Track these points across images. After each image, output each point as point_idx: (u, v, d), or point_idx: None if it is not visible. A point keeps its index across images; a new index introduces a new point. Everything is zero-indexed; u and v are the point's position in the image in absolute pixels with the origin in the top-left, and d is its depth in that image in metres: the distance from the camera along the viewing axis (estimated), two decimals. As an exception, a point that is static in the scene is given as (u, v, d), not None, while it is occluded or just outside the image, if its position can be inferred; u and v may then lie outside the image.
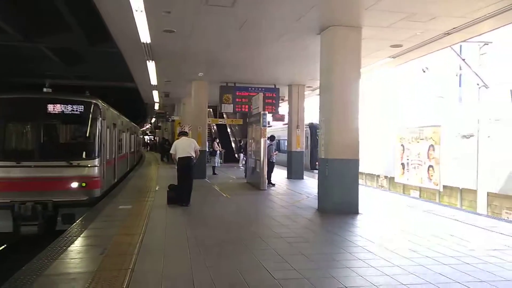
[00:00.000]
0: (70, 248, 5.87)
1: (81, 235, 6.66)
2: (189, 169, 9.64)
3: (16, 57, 19.78)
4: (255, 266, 5.10)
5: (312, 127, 22.60)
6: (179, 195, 9.61)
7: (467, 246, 6.18)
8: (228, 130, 30.74)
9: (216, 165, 18.60)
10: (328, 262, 5.37)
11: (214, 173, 17.68)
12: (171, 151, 10.13)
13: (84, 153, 9.78)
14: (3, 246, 9.04)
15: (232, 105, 16.25)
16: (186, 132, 11.07)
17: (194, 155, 9.64)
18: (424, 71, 17.99)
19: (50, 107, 9.60)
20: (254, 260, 5.35)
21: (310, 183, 14.44)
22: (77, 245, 6.11)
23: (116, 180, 13.36)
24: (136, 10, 7.76)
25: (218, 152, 19.27)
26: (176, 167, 9.73)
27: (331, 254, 5.73)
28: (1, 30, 13.71)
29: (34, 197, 8.89)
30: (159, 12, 8.10)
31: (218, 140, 20.57)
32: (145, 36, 9.53)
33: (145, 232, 6.79)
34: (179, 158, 9.57)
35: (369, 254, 5.69)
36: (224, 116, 28.39)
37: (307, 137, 22.61)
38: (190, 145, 9.76)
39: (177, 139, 10.64)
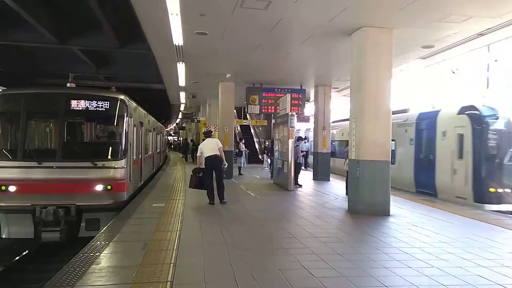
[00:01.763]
0: (112, 242, 6.09)
1: (121, 230, 6.88)
2: (216, 167, 9.78)
3: (47, 58, 20.39)
4: (293, 264, 5.20)
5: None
6: (208, 193, 9.82)
7: (503, 249, 6.12)
8: (252, 131, 30.91)
9: (242, 165, 18.75)
10: (365, 262, 5.41)
11: (240, 173, 17.86)
12: (198, 154, 10.17)
13: (109, 153, 9.12)
14: (24, 252, 8.57)
15: (258, 106, 16.37)
16: (211, 132, 11.16)
17: (219, 153, 9.78)
18: (453, 72, 17.70)
19: (74, 103, 8.90)
20: (291, 258, 5.45)
21: (337, 185, 14.43)
22: (119, 240, 6.32)
23: (142, 182, 12.70)
24: (172, 14, 7.96)
25: (244, 152, 19.43)
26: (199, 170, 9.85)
27: (366, 254, 5.77)
28: (35, 31, 14.14)
29: (56, 200, 8.24)
30: (194, 15, 8.29)
31: (243, 141, 20.71)
32: (178, 38, 9.74)
33: (182, 229, 6.97)
34: (206, 157, 9.72)
35: (405, 255, 5.70)
36: (248, 117, 28.58)
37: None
38: (217, 144, 9.97)
39: (203, 139, 10.75)
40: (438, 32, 9.06)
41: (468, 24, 8.44)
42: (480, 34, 9.17)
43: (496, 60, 16.21)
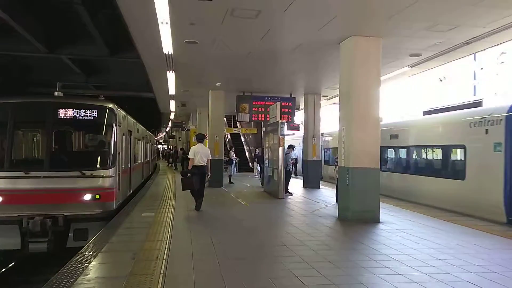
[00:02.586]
0: (101, 253, 6.02)
1: (110, 240, 6.80)
2: (203, 177, 10.04)
3: (37, 67, 20.27)
4: (284, 272, 5.19)
5: None
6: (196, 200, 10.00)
7: (490, 255, 6.18)
8: (242, 139, 30.92)
9: (233, 173, 18.72)
10: (355, 269, 5.43)
11: (230, 182, 17.80)
12: (190, 156, 10.23)
13: (98, 162, 9.01)
14: (11, 264, 8.44)
15: (248, 114, 16.39)
16: (204, 136, 11.26)
17: (207, 164, 10.06)
18: (441, 80, 17.96)
19: (61, 112, 8.80)
20: (282, 266, 5.44)
21: (327, 192, 14.47)
22: (108, 250, 6.25)
23: (131, 191, 12.61)
24: (162, 23, 7.97)
25: (234, 161, 19.39)
26: (187, 173, 10.05)
27: (357, 262, 5.79)
28: (23, 40, 14.06)
29: (44, 210, 8.10)
30: (184, 24, 8.32)
31: (234, 149, 20.69)
32: (168, 47, 9.75)
33: (171, 239, 6.92)
34: (196, 166, 9.86)
35: (395, 262, 5.73)
36: (238, 125, 28.61)
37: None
38: (207, 154, 10.15)
39: (194, 144, 10.85)
40: (425, 40, 9.20)
41: (455, 33, 8.59)
42: (466, 43, 9.34)
43: (482, 68, 16.49)
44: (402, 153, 14.57)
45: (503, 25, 8.10)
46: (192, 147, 10.65)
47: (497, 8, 7.28)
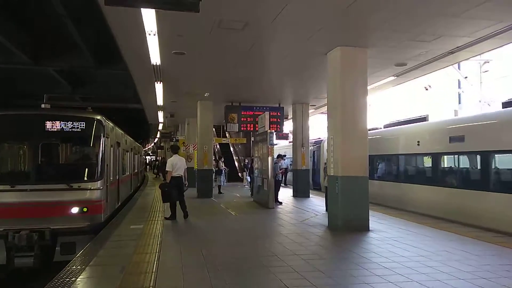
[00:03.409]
0: (89, 267, 5.93)
1: (98, 254, 6.70)
2: (181, 188, 10.41)
3: (22, 79, 20.02)
4: (275, 283, 5.16)
5: None
6: (173, 210, 10.31)
7: (479, 262, 6.24)
8: (231, 149, 30.89)
9: (222, 184, 18.63)
10: (346, 278, 5.42)
11: (220, 192, 17.73)
12: (168, 169, 10.41)
13: (85, 174, 8.91)
14: None
15: (237, 124, 16.40)
16: (178, 147, 12.00)
17: (184, 174, 10.46)
18: (426, 89, 18.25)
19: (48, 125, 8.71)
20: (272, 277, 5.41)
21: (316, 201, 14.48)
22: (96, 263, 6.16)
23: (119, 204, 12.56)
24: (149, 34, 7.97)
25: (223, 171, 19.31)
26: (166, 184, 10.31)
27: (348, 271, 5.79)
28: (8, 52, 13.91)
29: (30, 224, 7.94)
30: (172, 36, 8.34)
31: (223, 159, 20.63)
32: (155, 58, 9.74)
33: (161, 251, 6.85)
34: (173, 176, 10.18)
35: (385, 270, 5.74)
36: (227, 135, 28.59)
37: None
38: (184, 165, 10.57)
39: (171, 156, 11.19)
40: (410, 50, 9.36)
41: (439, 43, 8.75)
42: (451, 52, 9.52)
43: (466, 77, 16.81)
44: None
45: (484, 35, 8.27)
46: (169, 159, 10.93)
47: (476, 19, 7.44)
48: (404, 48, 9.17)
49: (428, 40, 8.61)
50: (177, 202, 10.41)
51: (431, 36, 8.35)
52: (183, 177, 10.44)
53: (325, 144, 14.72)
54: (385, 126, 15.36)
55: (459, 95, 20.73)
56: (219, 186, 18.22)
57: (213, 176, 17.90)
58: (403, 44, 8.84)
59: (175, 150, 11.18)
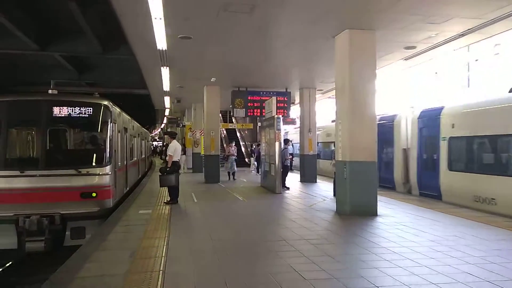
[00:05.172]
0: (99, 251, 5.98)
1: (108, 238, 6.76)
2: (178, 171, 10.82)
3: (28, 65, 20.04)
4: (284, 267, 5.17)
5: None
6: (174, 195, 10.58)
7: (489, 246, 6.20)
8: (238, 134, 30.86)
9: (234, 169, 17.56)
10: (355, 263, 5.42)
11: (233, 179, 17.06)
12: (170, 153, 10.64)
13: (94, 160, 8.92)
14: (8, 263, 8.24)
15: (244, 109, 16.37)
16: (176, 133, 12.85)
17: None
18: (436, 73, 17.98)
19: (56, 110, 8.75)
20: (281, 261, 5.42)
21: (324, 186, 14.47)
22: (105, 248, 6.21)
23: (128, 189, 12.60)
24: (155, 18, 7.88)
25: (234, 157, 18.04)
26: (167, 169, 10.50)
27: (356, 255, 5.78)
28: (15, 38, 13.87)
29: (40, 209, 8.02)
30: (178, 19, 8.25)
31: (234, 144, 19.40)
32: (161, 43, 9.66)
33: (170, 235, 6.88)
34: (174, 161, 10.58)
35: (394, 255, 5.73)
36: (234, 120, 28.53)
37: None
38: (181, 150, 11.13)
39: (170, 141, 11.49)
40: (420, 33, 9.18)
41: (449, 25, 8.57)
42: (462, 35, 9.32)
43: (476, 60, 16.52)
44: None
45: (497, 16, 8.09)
46: (170, 144, 11.11)
47: (488, 0, 7.25)
48: (413, 31, 9.00)
49: (439, 22, 8.44)
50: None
51: (442, 18, 8.17)
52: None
53: (405, 121, 12.94)
54: None
55: (468, 78, 20.42)
56: (233, 173, 17.37)
57: (220, 162, 17.39)
58: (413, 26, 8.67)
59: (173, 135, 11.65)
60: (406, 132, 12.99)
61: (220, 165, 17.30)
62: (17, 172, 8.19)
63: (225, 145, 18.29)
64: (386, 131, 13.68)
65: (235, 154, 18.42)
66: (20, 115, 9.00)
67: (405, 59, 11.78)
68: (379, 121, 12.96)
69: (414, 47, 10.45)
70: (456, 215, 8.74)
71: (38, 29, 14.26)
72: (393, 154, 13.67)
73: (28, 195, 8.12)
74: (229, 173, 17.41)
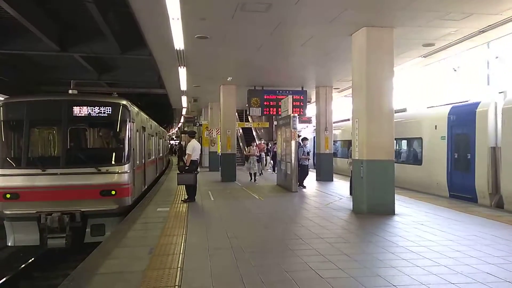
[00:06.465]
0: (119, 248, 6.10)
1: (127, 235, 6.89)
2: (196, 170, 10.85)
3: (49, 66, 20.47)
4: (300, 265, 5.19)
5: None
6: (192, 194, 10.67)
7: (510, 246, 6.09)
8: (254, 133, 30.92)
9: (257, 171, 16.86)
10: (372, 262, 5.40)
11: (254, 180, 16.09)
12: (188, 152, 10.76)
13: (113, 158, 9.12)
14: (31, 260, 8.59)
15: (260, 108, 16.40)
16: (195, 132, 13.03)
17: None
18: (455, 70, 17.68)
19: (76, 110, 8.94)
20: (298, 260, 5.44)
21: (340, 185, 14.41)
22: (125, 245, 6.33)
23: (146, 187, 12.79)
24: (173, 18, 7.98)
25: (256, 157, 16.95)
26: (185, 167, 10.70)
27: (373, 254, 5.76)
28: (36, 39, 14.20)
29: (61, 207, 8.26)
30: (195, 20, 8.32)
31: (256, 143, 18.63)
32: (179, 43, 9.76)
33: (187, 233, 6.97)
34: (193, 160, 10.65)
35: (412, 254, 5.69)
36: (250, 119, 28.60)
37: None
38: (200, 149, 11.12)
39: (189, 140, 11.66)
40: (439, 30, 9.06)
41: (468, 21, 8.44)
42: (481, 31, 9.16)
43: (497, 57, 16.18)
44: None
45: (518, 12, 7.93)
46: (189, 143, 11.20)
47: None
48: (432, 28, 8.88)
49: (458, 19, 8.31)
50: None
51: (461, 14, 8.04)
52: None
53: (493, 111, 10.13)
54: None
55: (488, 76, 19.96)
56: (254, 174, 16.36)
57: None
58: (432, 23, 8.55)
59: (192, 134, 11.88)
60: (496, 125, 10.12)
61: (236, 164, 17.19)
62: (38, 171, 8.40)
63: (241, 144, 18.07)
64: (462, 124, 11.06)
65: (257, 153, 17.50)
66: (41, 115, 9.21)
67: (423, 57, 11.63)
68: (450, 112, 11.49)
69: (432, 44, 10.31)
70: (476, 215, 8.60)
71: (59, 30, 14.57)
72: (474, 155, 10.61)
73: (50, 193, 8.32)
74: (250, 174, 16.49)
